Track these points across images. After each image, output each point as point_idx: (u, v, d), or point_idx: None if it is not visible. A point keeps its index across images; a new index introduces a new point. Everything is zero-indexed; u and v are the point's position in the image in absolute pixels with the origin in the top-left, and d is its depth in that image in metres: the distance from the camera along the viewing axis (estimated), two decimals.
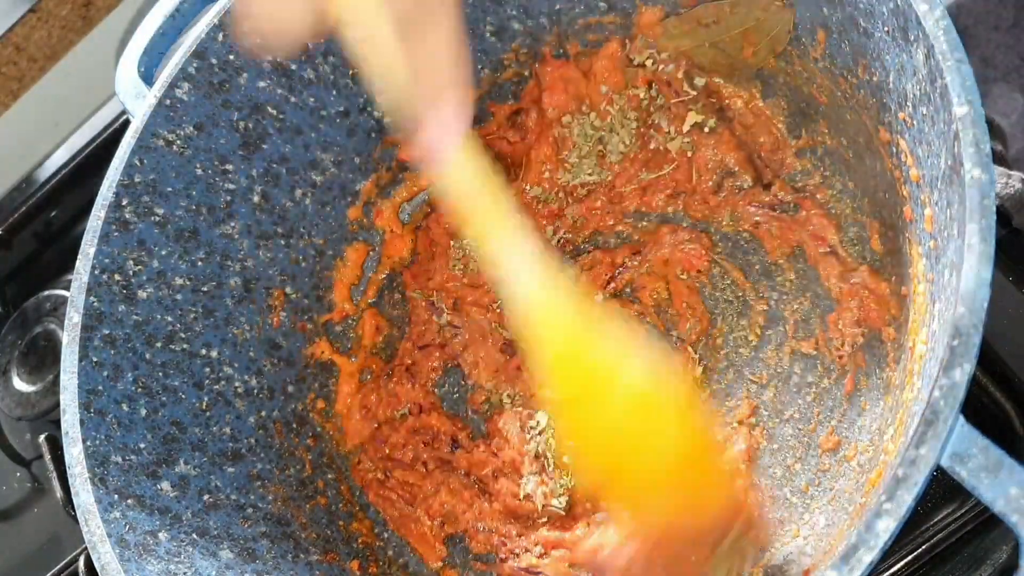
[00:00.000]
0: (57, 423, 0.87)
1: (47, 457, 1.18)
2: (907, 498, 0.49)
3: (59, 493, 1.13)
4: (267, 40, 0.60)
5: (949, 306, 0.54)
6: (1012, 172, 0.83)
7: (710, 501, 0.72)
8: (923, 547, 0.79)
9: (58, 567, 1.10)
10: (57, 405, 0.87)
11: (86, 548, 1.00)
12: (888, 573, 0.80)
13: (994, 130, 0.90)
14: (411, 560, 0.93)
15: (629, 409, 0.69)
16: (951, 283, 0.55)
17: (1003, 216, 0.83)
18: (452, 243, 1.02)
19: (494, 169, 0.66)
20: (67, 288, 0.85)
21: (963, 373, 0.50)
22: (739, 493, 0.77)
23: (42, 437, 1.20)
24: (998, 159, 0.89)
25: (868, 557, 0.50)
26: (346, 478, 0.97)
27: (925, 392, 0.57)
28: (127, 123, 0.87)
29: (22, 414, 1.25)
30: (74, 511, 0.74)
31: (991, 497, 0.49)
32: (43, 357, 1.28)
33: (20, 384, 1.27)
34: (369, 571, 0.91)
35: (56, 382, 1.16)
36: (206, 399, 0.87)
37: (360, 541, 0.93)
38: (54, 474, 1.16)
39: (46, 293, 1.33)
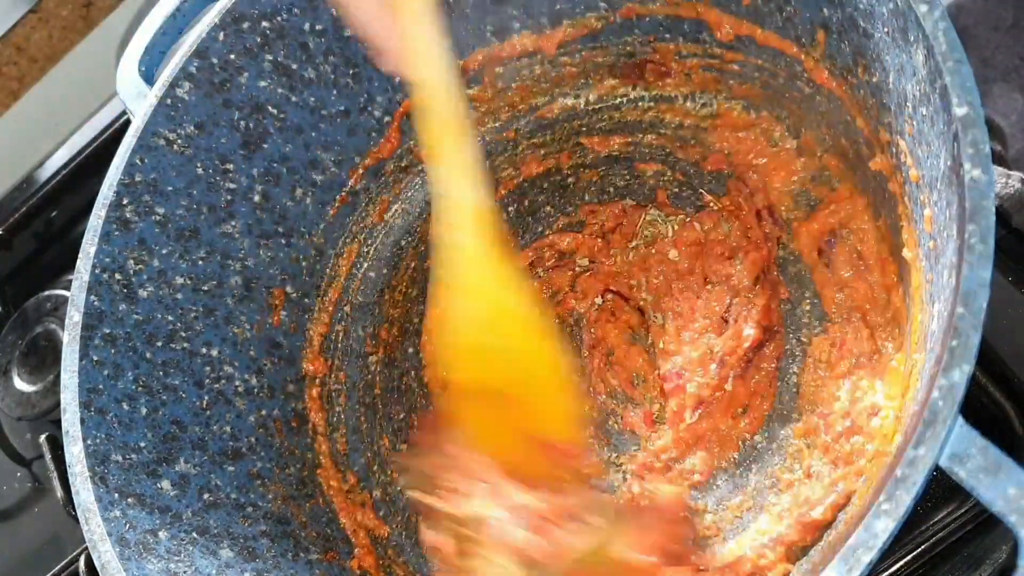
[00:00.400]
0: (57, 423, 0.87)
1: (47, 457, 1.18)
2: (906, 498, 0.49)
3: (59, 493, 1.14)
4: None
5: (948, 307, 0.54)
6: (1012, 172, 0.83)
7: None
8: (923, 547, 0.79)
9: (58, 567, 1.10)
10: (57, 405, 0.87)
11: (86, 548, 1.00)
12: (888, 573, 0.80)
13: (994, 130, 0.90)
14: (411, 558, 0.93)
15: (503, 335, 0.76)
16: (950, 284, 0.55)
17: (1003, 216, 0.83)
18: None
19: (464, 104, 0.71)
20: (67, 288, 0.85)
21: (962, 374, 0.50)
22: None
23: (42, 437, 1.20)
24: (998, 159, 0.89)
25: (867, 557, 0.50)
26: None
27: (924, 393, 0.56)
28: (127, 123, 0.87)
29: (22, 414, 1.25)
30: (74, 511, 0.74)
31: (990, 497, 0.49)
32: (43, 357, 1.28)
33: (20, 384, 1.27)
34: (369, 570, 0.91)
35: (56, 382, 1.16)
36: (206, 398, 0.87)
37: (360, 540, 0.93)
38: (54, 474, 1.16)
39: (46, 293, 1.33)
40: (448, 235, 0.73)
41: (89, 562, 1.06)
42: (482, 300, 0.75)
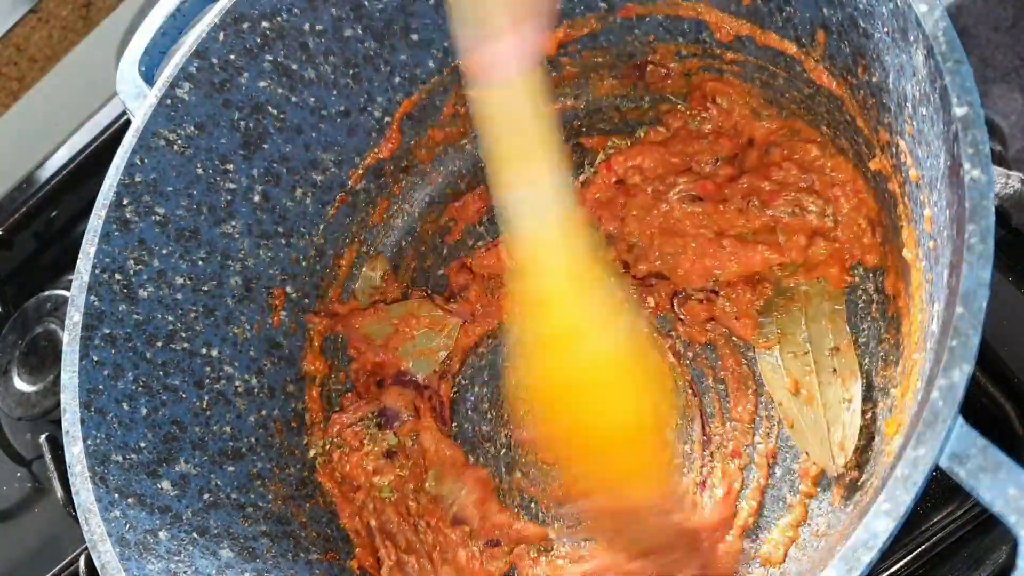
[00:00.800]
0: (57, 423, 0.87)
1: (47, 457, 1.18)
2: (906, 498, 0.50)
3: (59, 493, 1.13)
4: None
5: (948, 307, 0.54)
6: (1011, 172, 0.83)
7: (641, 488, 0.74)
8: (923, 547, 0.79)
9: (58, 567, 1.10)
10: (57, 405, 0.87)
11: (86, 548, 1.00)
12: (888, 573, 0.80)
13: (993, 130, 0.90)
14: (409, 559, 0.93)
15: (591, 372, 0.70)
16: (950, 284, 0.55)
17: (1003, 216, 0.83)
18: None
19: (551, 109, 0.67)
20: (67, 288, 0.85)
21: (962, 374, 0.50)
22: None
23: (42, 437, 1.20)
24: (997, 159, 0.89)
25: (867, 557, 0.50)
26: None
27: (924, 393, 0.57)
28: (127, 124, 0.87)
29: (22, 414, 1.25)
30: (74, 511, 0.74)
31: (990, 498, 0.49)
32: (43, 357, 1.28)
33: (20, 384, 1.27)
34: (369, 570, 0.91)
35: (56, 382, 1.16)
36: (206, 398, 0.88)
37: (360, 540, 0.93)
38: (54, 474, 1.16)
39: (46, 293, 1.33)
40: (530, 238, 0.69)
41: (89, 562, 1.05)
42: (568, 311, 0.70)
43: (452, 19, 0.69)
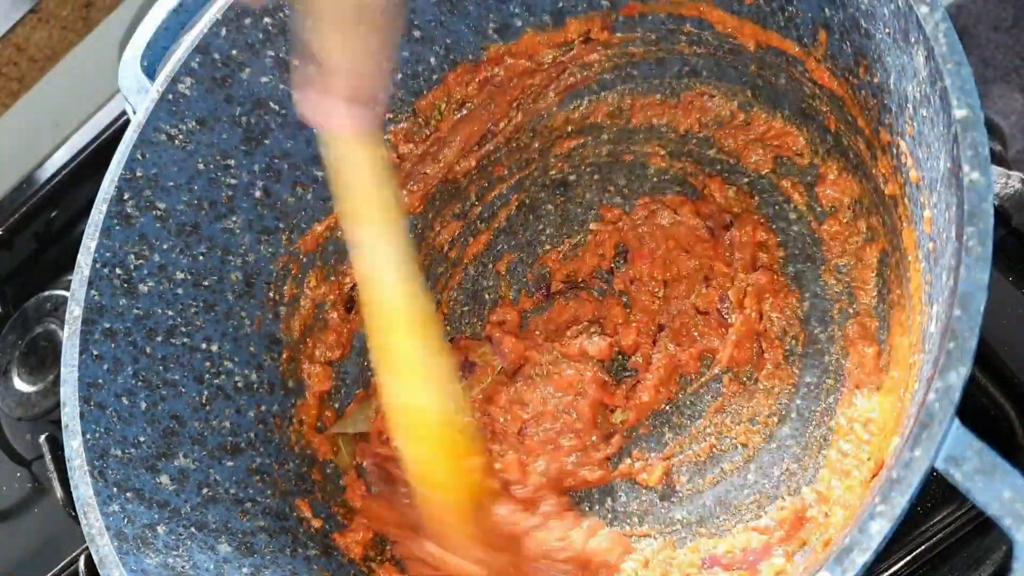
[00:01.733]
0: (57, 423, 0.87)
1: (47, 457, 1.18)
2: (901, 500, 0.50)
3: (59, 493, 1.13)
4: None
5: (946, 309, 0.54)
6: (1012, 172, 0.83)
7: None
8: (922, 547, 0.79)
9: (58, 567, 1.10)
10: (57, 405, 0.87)
11: (86, 548, 1.01)
12: (888, 573, 0.80)
13: (994, 130, 0.90)
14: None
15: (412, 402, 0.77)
16: (948, 286, 0.55)
17: (1003, 216, 0.83)
18: None
19: (384, 171, 0.71)
20: (67, 288, 0.85)
21: (959, 376, 0.50)
22: None
23: (42, 437, 1.20)
24: (998, 159, 0.89)
25: (862, 559, 0.50)
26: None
27: (921, 395, 0.57)
28: (127, 123, 0.87)
29: (22, 414, 1.25)
30: (74, 511, 0.75)
31: (985, 500, 0.49)
32: (43, 357, 1.28)
33: (20, 384, 1.27)
34: (367, 565, 0.92)
35: (56, 382, 1.16)
36: (206, 393, 0.88)
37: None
38: (54, 474, 1.16)
39: (46, 293, 1.33)
40: (364, 277, 0.75)
41: (89, 562, 1.05)
42: (401, 355, 0.77)
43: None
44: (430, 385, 0.76)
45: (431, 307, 0.78)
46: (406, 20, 0.91)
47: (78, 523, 0.73)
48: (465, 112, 1.00)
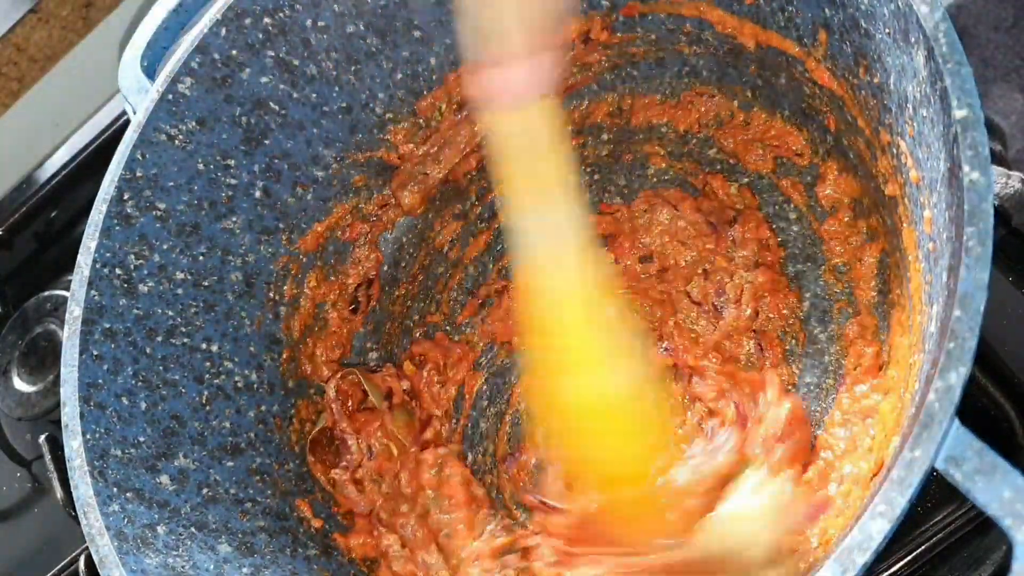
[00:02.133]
0: (57, 423, 0.87)
1: (47, 457, 1.18)
2: (901, 500, 0.50)
3: (59, 493, 1.13)
4: None
5: (946, 309, 0.54)
6: (1012, 172, 0.83)
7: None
8: (923, 547, 0.79)
9: (58, 567, 1.10)
10: (57, 405, 0.87)
11: (86, 548, 1.01)
12: (888, 573, 0.80)
13: (994, 130, 0.90)
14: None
15: (595, 398, 0.70)
16: (948, 286, 0.55)
17: (1003, 216, 0.83)
18: None
19: (566, 136, 0.65)
20: (67, 288, 0.85)
21: (959, 376, 0.50)
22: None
23: (42, 437, 1.20)
24: (998, 159, 0.89)
25: (862, 559, 0.50)
26: None
27: (921, 395, 0.57)
28: (127, 123, 0.87)
29: (22, 414, 1.25)
30: (74, 511, 0.74)
31: (985, 500, 0.49)
32: (43, 357, 1.28)
33: (20, 384, 1.27)
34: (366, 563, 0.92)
35: (56, 382, 1.16)
36: (206, 393, 0.88)
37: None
38: (54, 474, 1.16)
39: (46, 293, 1.33)
40: (541, 264, 0.68)
41: (89, 562, 1.05)
42: (579, 332, 0.70)
43: (464, 40, 0.68)
44: (619, 365, 0.70)
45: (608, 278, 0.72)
46: None
47: (78, 523, 0.73)
48: (466, 113, 1.00)
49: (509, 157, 0.66)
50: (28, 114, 1.53)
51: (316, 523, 0.90)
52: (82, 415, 0.76)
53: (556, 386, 0.71)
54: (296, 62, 0.92)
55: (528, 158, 0.66)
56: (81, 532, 0.72)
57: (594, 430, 0.71)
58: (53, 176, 1.38)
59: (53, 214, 1.42)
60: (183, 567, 0.74)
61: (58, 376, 0.80)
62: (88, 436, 0.76)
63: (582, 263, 0.68)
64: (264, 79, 0.91)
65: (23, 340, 1.30)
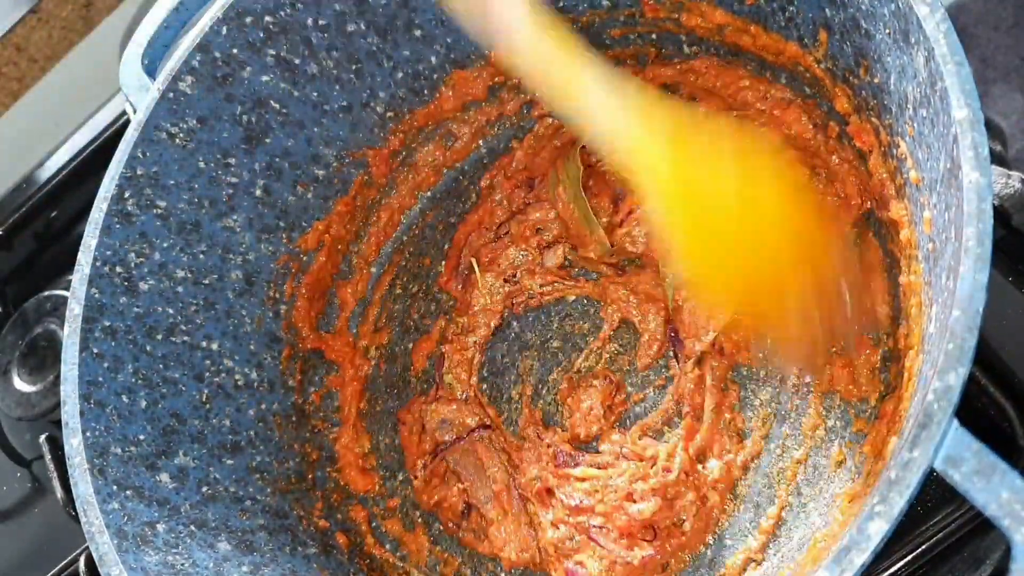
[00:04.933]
0: (57, 423, 0.87)
1: (47, 457, 1.18)
2: (899, 500, 0.50)
3: (59, 493, 1.13)
4: None
5: (945, 309, 0.54)
6: (1012, 172, 0.83)
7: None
8: (923, 547, 0.79)
9: (58, 567, 1.10)
10: (57, 405, 0.87)
11: (86, 548, 1.01)
12: (888, 573, 0.80)
13: (994, 130, 0.90)
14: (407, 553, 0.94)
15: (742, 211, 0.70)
16: (948, 286, 0.55)
17: (1003, 216, 0.83)
18: None
19: (569, 35, 0.68)
20: (67, 288, 0.85)
21: (957, 377, 0.50)
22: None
23: (42, 437, 1.20)
24: (998, 159, 0.89)
25: (859, 559, 0.50)
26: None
27: (920, 395, 0.57)
28: (127, 124, 0.87)
29: (22, 414, 1.25)
30: (74, 511, 0.75)
31: (983, 501, 0.49)
32: (43, 357, 1.28)
33: (20, 384, 1.27)
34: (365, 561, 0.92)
35: (56, 382, 1.16)
36: (206, 391, 0.88)
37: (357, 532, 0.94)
38: (54, 474, 1.16)
39: (46, 293, 1.33)
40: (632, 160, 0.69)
41: (89, 562, 1.05)
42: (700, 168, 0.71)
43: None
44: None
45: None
46: None
47: (78, 523, 0.73)
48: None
49: (538, 78, 0.70)
50: (28, 114, 1.53)
51: (321, 523, 0.90)
52: (82, 413, 0.77)
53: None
54: (297, 61, 0.92)
55: (551, 70, 0.69)
56: (81, 532, 0.72)
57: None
58: (53, 176, 1.38)
59: (53, 214, 1.42)
60: (182, 565, 0.74)
61: (58, 376, 0.80)
62: (88, 434, 0.76)
63: (639, 111, 0.70)
64: (265, 78, 0.91)
65: (23, 340, 1.30)
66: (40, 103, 1.53)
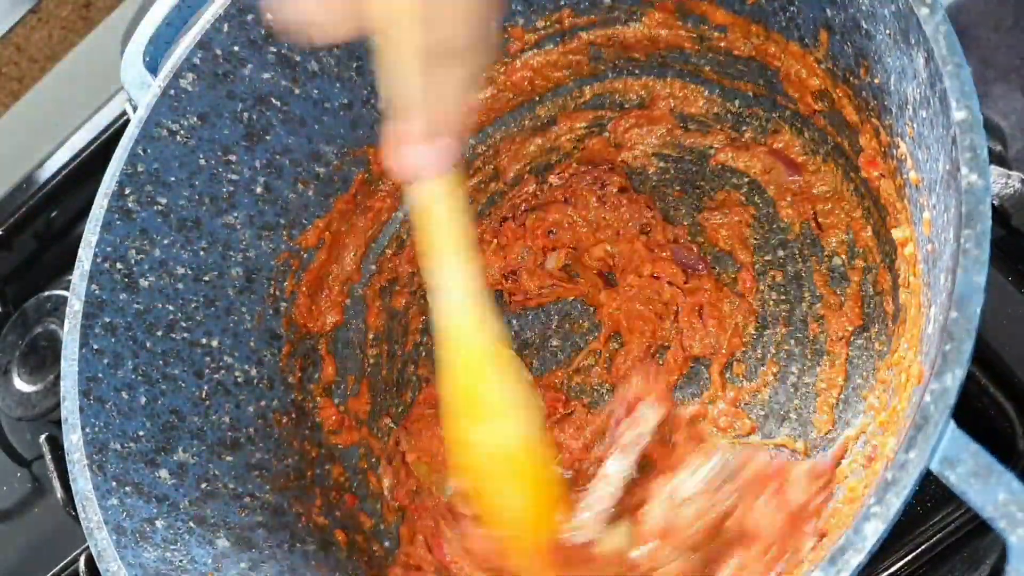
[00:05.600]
0: (57, 423, 0.88)
1: (47, 457, 1.18)
2: (895, 501, 0.50)
3: (59, 493, 1.13)
4: (297, 31, 0.62)
5: (943, 310, 0.54)
6: (1012, 172, 0.83)
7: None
8: (921, 548, 0.79)
9: (58, 567, 1.10)
10: (57, 405, 0.87)
11: (86, 548, 1.01)
12: (888, 573, 0.80)
13: (994, 130, 0.90)
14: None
15: (493, 443, 0.75)
16: (946, 287, 0.55)
17: (1002, 216, 0.83)
18: None
19: (464, 209, 0.70)
20: (67, 288, 0.85)
21: (954, 378, 0.50)
22: None
23: (42, 437, 1.20)
24: (998, 159, 0.89)
25: (856, 559, 0.50)
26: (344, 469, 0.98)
27: (917, 396, 0.57)
28: (127, 123, 0.87)
29: (22, 414, 1.25)
30: (74, 511, 0.75)
31: (980, 502, 0.49)
32: (43, 357, 1.28)
33: (20, 384, 1.27)
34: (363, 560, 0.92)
35: (56, 382, 1.16)
36: (206, 388, 0.88)
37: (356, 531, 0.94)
38: (54, 474, 1.16)
39: (46, 293, 1.33)
40: (444, 324, 0.73)
41: (89, 561, 1.05)
42: (474, 391, 0.75)
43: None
44: (516, 424, 0.75)
45: (510, 350, 0.76)
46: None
47: (78, 523, 0.73)
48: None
49: (416, 221, 0.71)
50: (28, 114, 1.53)
51: (320, 520, 0.90)
52: (82, 409, 0.77)
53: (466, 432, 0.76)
54: (298, 58, 0.92)
55: (432, 225, 0.70)
56: (81, 532, 0.72)
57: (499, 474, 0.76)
58: (53, 176, 1.38)
59: (53, 214, 1.42)
60: (181, 561, 0.75)
61: (58, 376, 0.80)
62: (88, 430, 0.76)
63: (482, 331, 0.73)
64: (266, 75, 0.91)
65: (23, 340, 1.31)
66: (40, 103, 1.53)
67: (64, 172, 1.37)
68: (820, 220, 0.89)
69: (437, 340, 0.73)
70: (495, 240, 1.01)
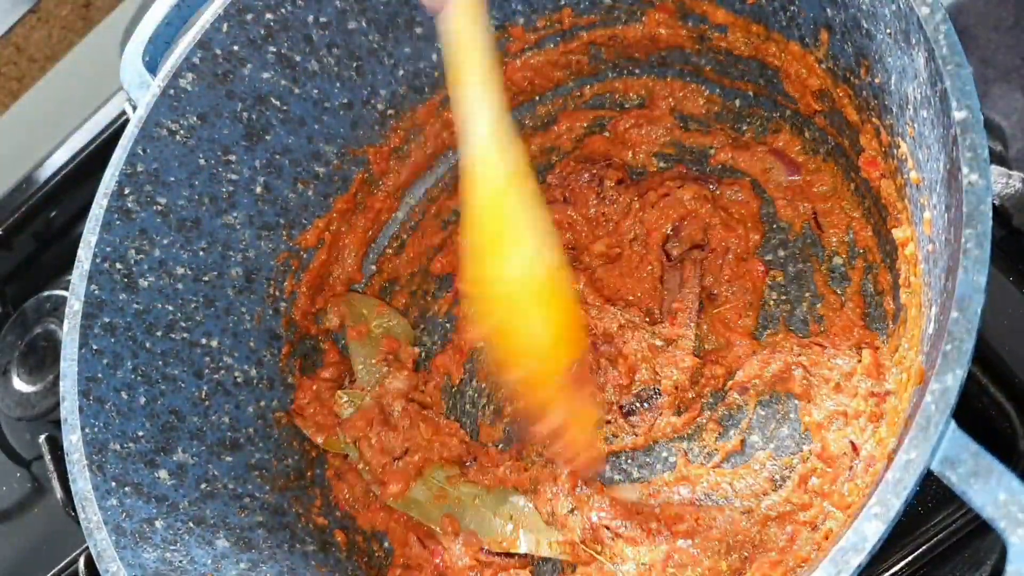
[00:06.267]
0: (57, 424, 0.87)
1: (47, 457, 1.18)
2: (896, 502, 0.49)
3: (59, 493, 1.13)
4: None
5: (944, 311, 0.54)
6: (1012, 172, 0.83)
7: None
8: (922, 548, 0.79)
9: (58, 567, 1.10)
10: (57, 406, 0.87)
11: (86, 548, 1.01)
12: (888, 574, 0.80)
13: (994, 130, 0.90)
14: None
15: (515, 277, 0.78)
16: (946, 288, 0.55)
17: (1003, 216, 0.83)
18: None
19: (488, 33, 0.74)
20: (67, 288, 0.85)
21: (955, 379, 0.50)
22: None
23: (42, 437, 1.20)
24: (998, 159, 0.89)
25: (856, 559, 0.50)
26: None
27: (918, 396, 0.56)
28: (127, 123, 0.87)
29: (22, 414, 1.26)
30: (74, 511, 0.74)
31: (980, 502, 0.49)
32: (43, 357, 1.28)
33: (20, 384, 1.27)
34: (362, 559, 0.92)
35: (56, 383, 1.16)
36: (205, 388, 0.88)
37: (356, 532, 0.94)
38: (54, 474, 1.16)
39: (46, 293, 1.33)
40: (472, 160, 0.76)
41: (89, 562, 1.05)
42: (499, 223, 0.77)
43: None
44: (539, 251, 0.77)
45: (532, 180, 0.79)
46: None
47: (78, 523, 0.73)
48: None
49: (447, 52, 0.76)
50: (28, 114, 1.53)
51: (319, 520, 0.90)
52: (81, 409, 0.77)
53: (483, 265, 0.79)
54: (298, 58, 0.92)
55: (458, 53, 0.75)
56: (81, 532, 0.72)
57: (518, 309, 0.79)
58: (53, 176, 1.38)
59: (53, 214, 1.42)
60: (180, 562, 0.74)
61: (57, 376, 0.80)
62: (87, 430, 0.76)
63: (500, 149, 0.76)
64: (266, 75, 0.91)
65: (23, 340, 1.31)
66: (40, 103, 1.53)
67: (63, 172, 1.37)
68: (820, 220, 0.89)
69: (463, 172, 0.76)
70: None
